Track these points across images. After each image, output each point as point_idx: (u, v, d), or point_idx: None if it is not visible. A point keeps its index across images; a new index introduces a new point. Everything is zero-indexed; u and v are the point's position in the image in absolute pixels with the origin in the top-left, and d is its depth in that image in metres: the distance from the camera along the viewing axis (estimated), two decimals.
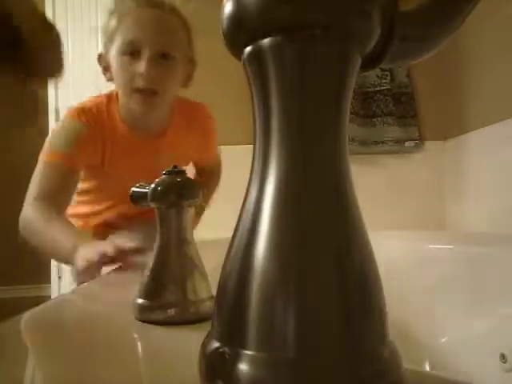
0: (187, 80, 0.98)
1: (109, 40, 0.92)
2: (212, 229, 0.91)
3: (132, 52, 0.88)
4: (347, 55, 0.21)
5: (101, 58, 0.97)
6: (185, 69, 0.95)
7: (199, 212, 1.02)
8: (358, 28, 0.20)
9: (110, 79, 0.95)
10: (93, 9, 2.10)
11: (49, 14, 2.06)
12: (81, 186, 0.98)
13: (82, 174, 0.94)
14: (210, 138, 1.08)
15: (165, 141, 1.00)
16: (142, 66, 0.87)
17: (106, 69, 0.95)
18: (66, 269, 1.63)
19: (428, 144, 1.89)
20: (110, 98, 0.98)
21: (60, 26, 2.03)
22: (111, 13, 0.92)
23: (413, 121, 1.89)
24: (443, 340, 0.62)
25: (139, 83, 0.88)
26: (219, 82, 1.71)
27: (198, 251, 0.42)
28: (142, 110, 0.91)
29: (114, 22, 0.90)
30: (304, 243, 0.19)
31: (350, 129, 1.73)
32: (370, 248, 0.21)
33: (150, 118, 0.97)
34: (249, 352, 0.19)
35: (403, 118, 1.89)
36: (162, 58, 0.89)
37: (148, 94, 0.89)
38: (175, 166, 0.41)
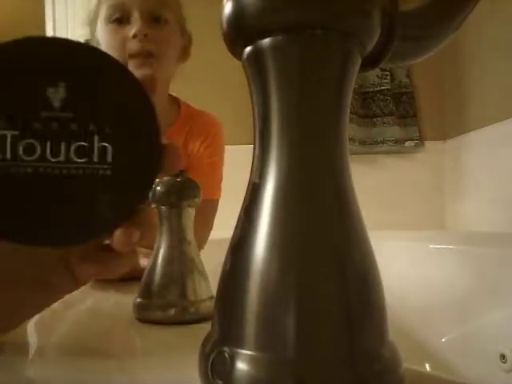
0: (184, 54, 0.90)
1: (93, 19, 0.85)
2: (212, 229, 0.90)
3: (119, 18, 0.80)
4: (347, 55, 0.21)
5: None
6: (179, 38, 0.88)
7: None
8: (358, 28, 0.20)
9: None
10: None
11: (49, 13, 2.05)
12: None
13: None
14: (214, 153, 0.96)
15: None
16: (132, 28, 0.79)
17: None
18: None
19: (428, 144, 1.89)
20: None
21: (60, 25, 2.03)
22: None
23: (413, 121, 1.89)
24: (443, 340, 0.62)
25: (133, 47, 0.79)
26: (219, 81, 1.71)
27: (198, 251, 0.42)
28: (141, 73, 0.80)
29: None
30: (304, 243, 0.19)
31: (350, 129, 1.73)
32: (369, 248, 0.21)
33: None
34: (249, 352, 0.19)
35: (403, 117, 1.89)
36: (154, 21, 0.81)
37: (145, 56, 0.80)
38: None
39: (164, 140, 0.25)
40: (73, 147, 0.22)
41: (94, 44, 0.85)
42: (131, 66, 0.80)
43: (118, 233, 0.24)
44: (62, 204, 0.22)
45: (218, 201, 0.96)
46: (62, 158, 0.22)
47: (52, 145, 0.22)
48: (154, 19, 0.81)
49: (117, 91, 0.23)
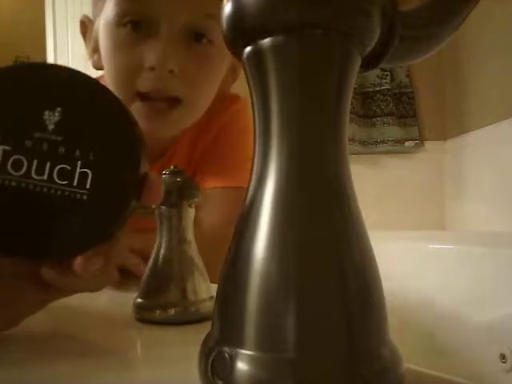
0: (231, 75, 0.60)
1: (96, 11, 0.54)
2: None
3: (136, 22, 0.49)
4: (347, 55, 0.21)
5: (85, 27, 0.58)
6: (226, 58, 0.56)
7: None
8: (358, 28, 0.20)
9: (99, 67, 0.56)
10: None
11: (49, 13, 2.06)
12: None
13: None
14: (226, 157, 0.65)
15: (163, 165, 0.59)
16: (154, 47, 0.48)
17: (94, 48, 0.56)
18: None
19: (428, 144, 1.89)
20: None
21: (60, 25, 2.03)
22: None
23: (413, 121, 1.89)
24: (443, 340, 0.62)
25: (145, 84, 0.50)
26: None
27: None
28: (149, 127, 0.51)
29: None
30: (304, 243, 0.19)
31: (350, 129, 1.74)
32: (369, 248, 0.21)
33: (156, 141, 0.58)
34: (249, 352, 0.19)
35: (403, 117, 1.89)
36: (192, 39, 0.52)
37: (162, 100, 0.51)
38: (175, 166, 0.41)
39: (145, 171, 0.25)
40: (56, 169, 0.23)
41: (89, 36, 0.59)
42: (139, 111, 0.51)
43: (77, 259, 0.24)
44: (36, 219, 0.24)
45: (238, 188, 0.63)
46: (45, 177, 0.23)
47: (38, 164, 0.23)
48: (193, 36, 0.52)
49: (106, 121, 0.24)
